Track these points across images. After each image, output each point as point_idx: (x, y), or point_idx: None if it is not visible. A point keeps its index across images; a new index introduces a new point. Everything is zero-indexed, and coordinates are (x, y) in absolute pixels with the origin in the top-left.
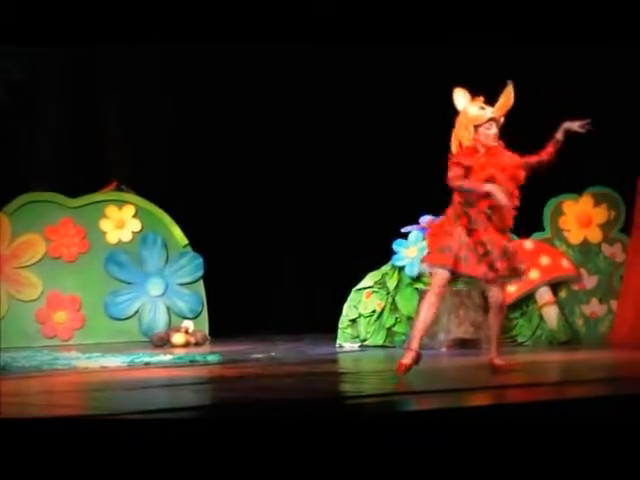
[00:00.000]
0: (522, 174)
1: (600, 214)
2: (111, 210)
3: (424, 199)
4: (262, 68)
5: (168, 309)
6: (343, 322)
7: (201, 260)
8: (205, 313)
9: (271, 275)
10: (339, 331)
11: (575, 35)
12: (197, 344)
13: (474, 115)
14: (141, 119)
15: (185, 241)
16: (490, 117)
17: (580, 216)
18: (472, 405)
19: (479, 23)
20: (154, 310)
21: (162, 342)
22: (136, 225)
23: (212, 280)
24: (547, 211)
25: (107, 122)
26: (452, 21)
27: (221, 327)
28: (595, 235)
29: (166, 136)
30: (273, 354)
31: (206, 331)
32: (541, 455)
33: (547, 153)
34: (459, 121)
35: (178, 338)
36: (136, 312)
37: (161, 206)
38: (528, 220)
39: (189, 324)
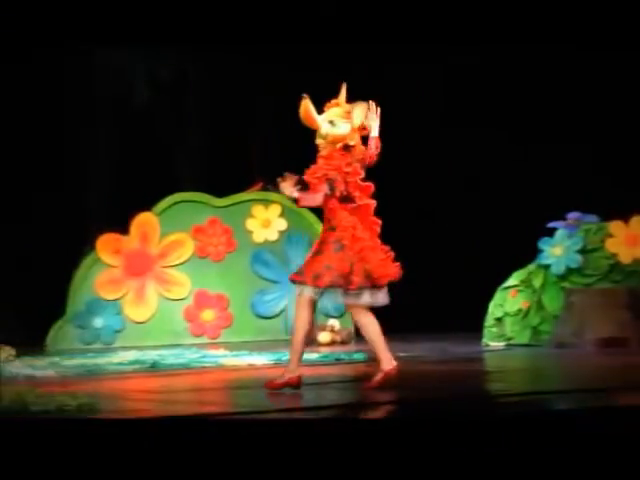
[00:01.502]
0: None
1: None
2: (258, 209)
3: (572, 194)
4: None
5: None
6: (489, 321)
7: None
8: None
9: (416, 273)
10: (485, 330)
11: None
12: (343, 342)
13: None
14: (288, 119)
15: None
16: None
17: None
18: (619, 404)
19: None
20: None
21: (307, 340)
22: (282, 224)
23: None
24: None
25: (254, 122)
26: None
27: None
28: None
29: (312, 136)
30: (418, 353)
31: (352, 329)
32: None
33: None
34: None
35: (324, 337)
36: (282, 311)
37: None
38: None
39: (335, 322)
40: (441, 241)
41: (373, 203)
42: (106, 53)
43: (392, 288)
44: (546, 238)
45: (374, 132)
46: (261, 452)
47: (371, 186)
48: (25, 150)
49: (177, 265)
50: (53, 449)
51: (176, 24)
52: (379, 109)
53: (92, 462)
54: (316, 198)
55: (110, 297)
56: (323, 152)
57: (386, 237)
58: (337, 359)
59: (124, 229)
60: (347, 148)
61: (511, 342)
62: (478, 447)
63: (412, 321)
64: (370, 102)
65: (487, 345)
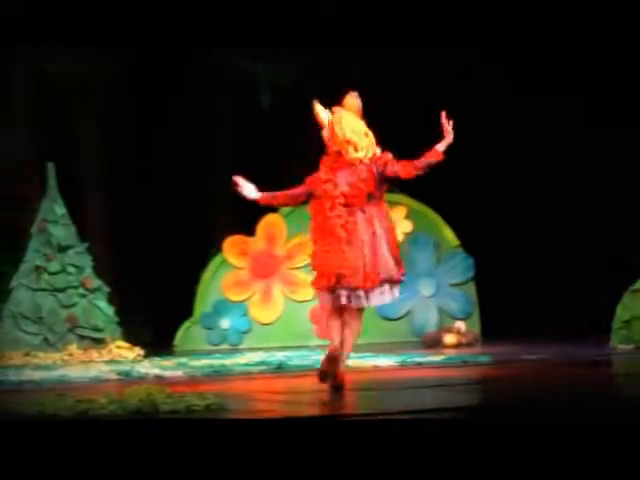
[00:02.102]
0: None
1: None
2: None
3: None
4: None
5: (439, 310)
6: (617, 323)
7: (472, 261)
8: (476, 314)
9: (542, 276)
10: (613, 332)
11: None
12: (469, 345)
13: None
14: (409, 117)
15: (456, 242)
16: None
17: None
18: None
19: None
20: (425, 310)
21: (433, 342)
22: (407, 226)
23: (483, 281)
24: None
25: (372, 123)
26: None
27: (493, 327)
28: None
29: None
30: (544, 355)
31: (478, 332)
32: None
33: None
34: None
35: (450, 338)
36: (407, 312)
37: (432, 207)
38: None
39: (461, 325)
40: (570, 243)
41: (329, 205)
42: (233, 56)
43: (519, 290)
44: None
45: (439, 145)
46: (385, 453)
47: (327, 190)
48: (151, 154)
49: (303, 267)
50: (182, 448)
51: (305, 26)
52: (451, 122)
53: (221, 461)
54: (266, 197)
55: (236, 298)
56: None
57: (511, 239)
58: (463, 361)
59: (250, 231)
60: (338, 153)
61: None
62: (603, 450)
63: (539, 322)
64: (443, 113)
65: (615, 348)
